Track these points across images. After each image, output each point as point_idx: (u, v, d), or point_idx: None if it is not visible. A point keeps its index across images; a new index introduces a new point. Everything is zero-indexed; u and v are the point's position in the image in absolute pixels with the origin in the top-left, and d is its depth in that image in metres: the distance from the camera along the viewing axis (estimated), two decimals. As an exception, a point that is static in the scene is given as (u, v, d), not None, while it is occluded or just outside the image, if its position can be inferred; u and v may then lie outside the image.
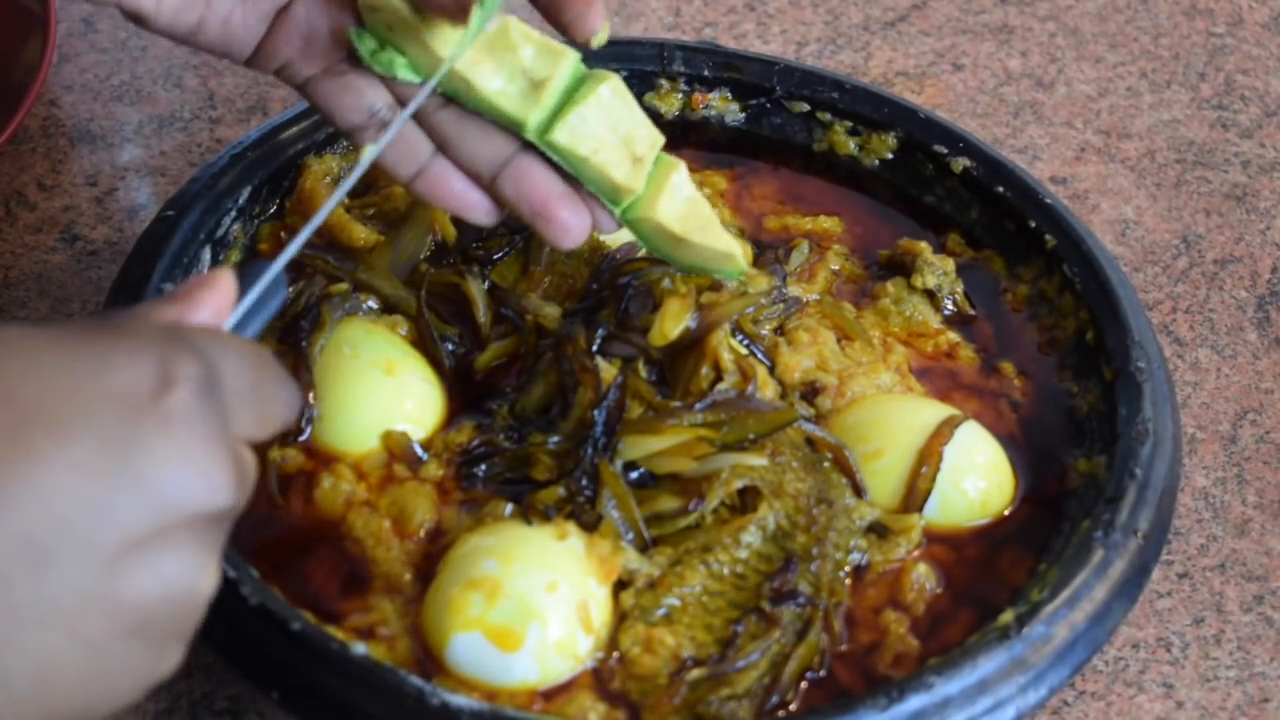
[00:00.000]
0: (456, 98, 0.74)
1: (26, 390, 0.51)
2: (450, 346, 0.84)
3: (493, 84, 0.74)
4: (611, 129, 0.74)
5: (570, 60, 0.74)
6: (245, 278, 0.60)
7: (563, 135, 0.74)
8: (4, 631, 0.49)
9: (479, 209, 0.77)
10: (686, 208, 0.77)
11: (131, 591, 0.51)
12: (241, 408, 0.55)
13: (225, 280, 0.59)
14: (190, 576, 0.53)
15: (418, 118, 0.75)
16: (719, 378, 0.80)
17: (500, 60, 0.74)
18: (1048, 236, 0.89)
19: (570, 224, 0.75)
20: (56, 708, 0.51)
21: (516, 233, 0.87)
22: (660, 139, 0.76)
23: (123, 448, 0.51)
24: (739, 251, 0.80)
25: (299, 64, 0.75)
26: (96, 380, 0.52)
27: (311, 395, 0.80)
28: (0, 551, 0.49)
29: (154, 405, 0.52)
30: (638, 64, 0.96)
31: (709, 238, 0.78)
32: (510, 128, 0.75)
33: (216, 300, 0.59)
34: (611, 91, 0.75)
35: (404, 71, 0.74)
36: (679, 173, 0.77)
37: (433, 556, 0.76)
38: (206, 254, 0.85)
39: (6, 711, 0.50)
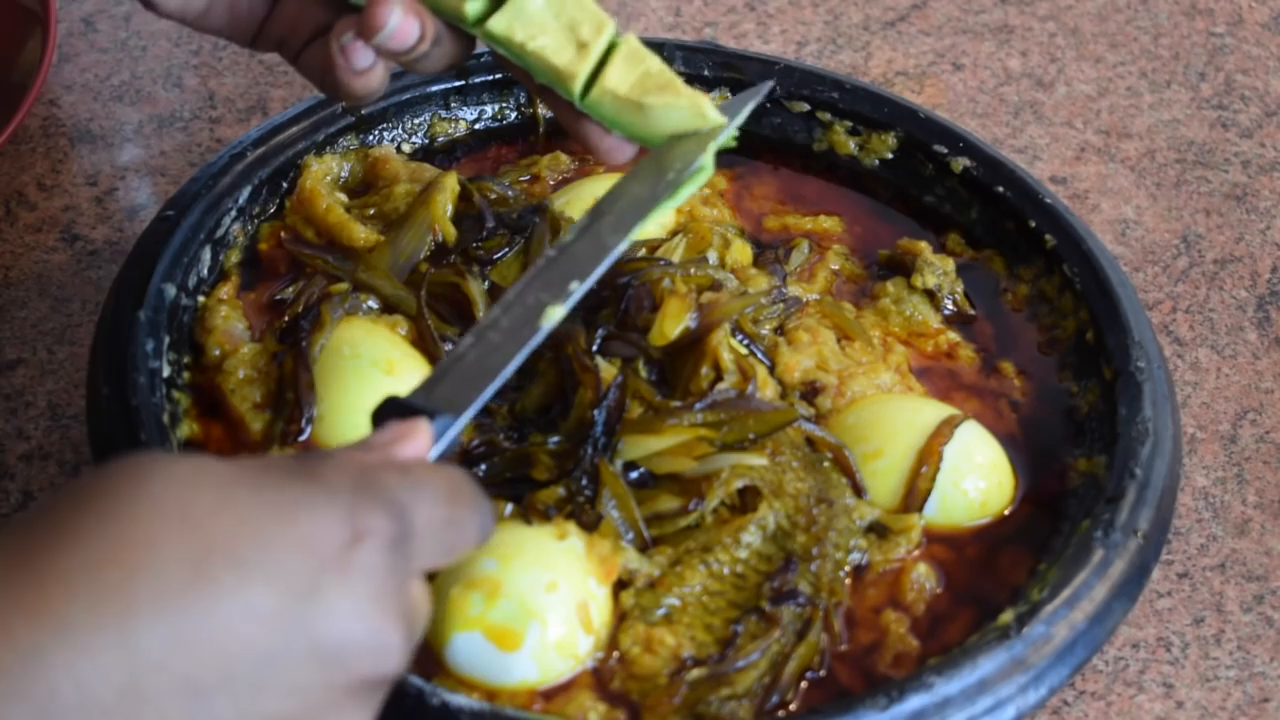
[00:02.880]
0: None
1: (216, 524, 0.50)
2: (450, 346, 0.84)
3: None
4: (554, 16, 0.73)
5: None
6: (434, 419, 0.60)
7: (499, 23, 0.73)
8: None
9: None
10: (638, 74, 0.75)
11: None
12: (431, 546, 0.55)
13: (423, 432, 0.59)
14: None
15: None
16: (719, 378, 0.80)
17: None
18: (1048, 236, 0.89)
19: (614, 151, 0.75)
20: None
21: (517, 233, 0.87)
22: (609, 23, 0.74)
23: (302, 600, 0.50)
24: (705, 101, 0.77)
25: (295, 38, 0.75)
26: (285, 525, 0.51)
27: (312, 395, 0.80)
28: (162, 686, 0.48)
29: (339, 559, 0.51)
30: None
31: (668, 98, 0.75)
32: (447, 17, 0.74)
33: (415, 449, 0.58)
34: None
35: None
36: (629, 43, 0.75)
37: (433, 556, 0.75)
38: (206, 254, 0.85)
39: None
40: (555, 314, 0.67)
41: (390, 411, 0.61)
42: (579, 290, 0.69)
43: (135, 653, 0.47)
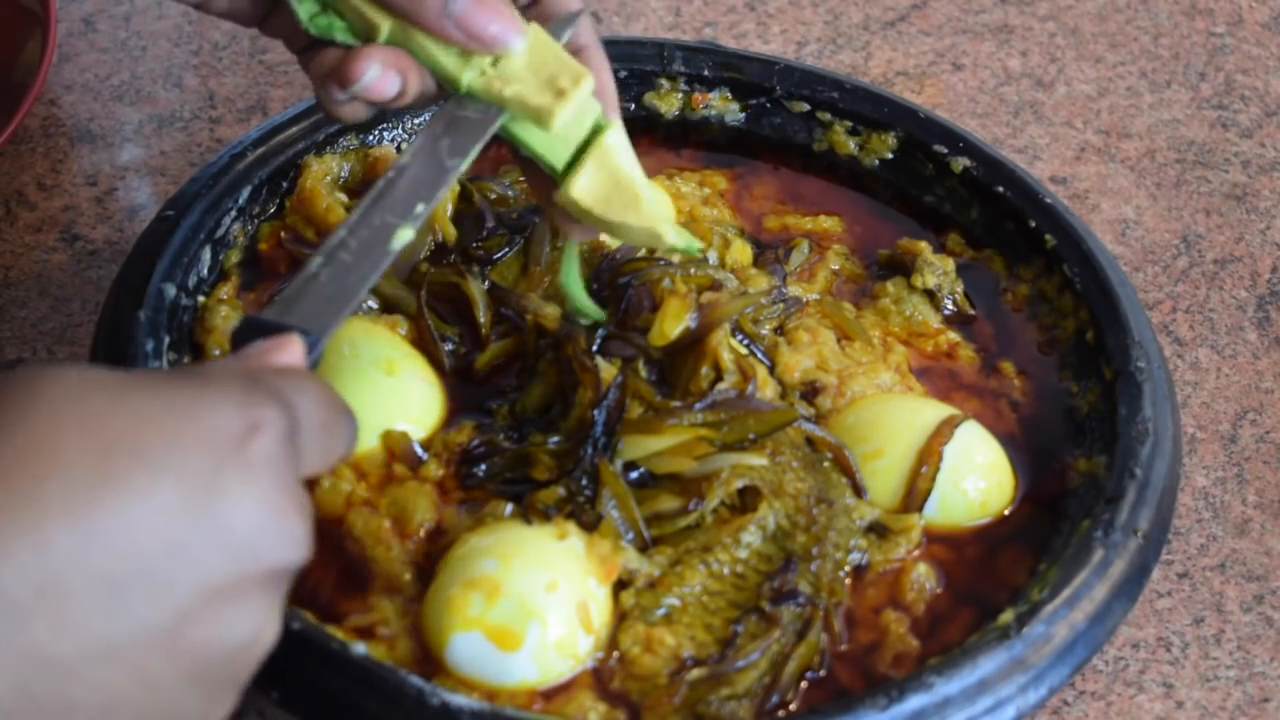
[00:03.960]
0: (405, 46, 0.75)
1: (114, 421, 0.50)
2: (450, 346, 0.84)
3: (431, 45, 0.74)
4: (533, 73, 0.74)
5: None
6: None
7: (476, 81, 0.73)
8: (73, 663, 0.49)
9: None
10: (607, 185, 0.75)
11: (199, 638, 0.51)
12: (313, 448, 0.56)
13: (295, 344, 0.60)
14: (256, 628, 0.53)
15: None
16: (719, 378, 0.80)
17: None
18: (1048, 236, 0.89)
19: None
20: None
21: (517, 233, 0.87)
22: (587, 76, 0.74)
23: (208, 491, 0.51)
24: (664, 226, 0.76)
25: (297, 36, 0.76)
26: (184, 419, 0.51)
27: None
28: (79, 583, 0.49)
29: (239, 450, 0.52)
30: (638, 64, 0.96)
31: (629, 217, 0.76)
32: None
33: (290, 359, 0.59)
34: (527, 46, 0.74)
35: (342, 35, 0.74)
36: (609, 135, 0.75)
37: (433, 556, 0.75)
38: (206, 254, 0.85)
39: None
40: (405, 235, 0.68)
41: (251, 331, 0.62)
42: (425, 212, 0.70)
43: (50, 553, 0.48)
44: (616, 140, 0.76)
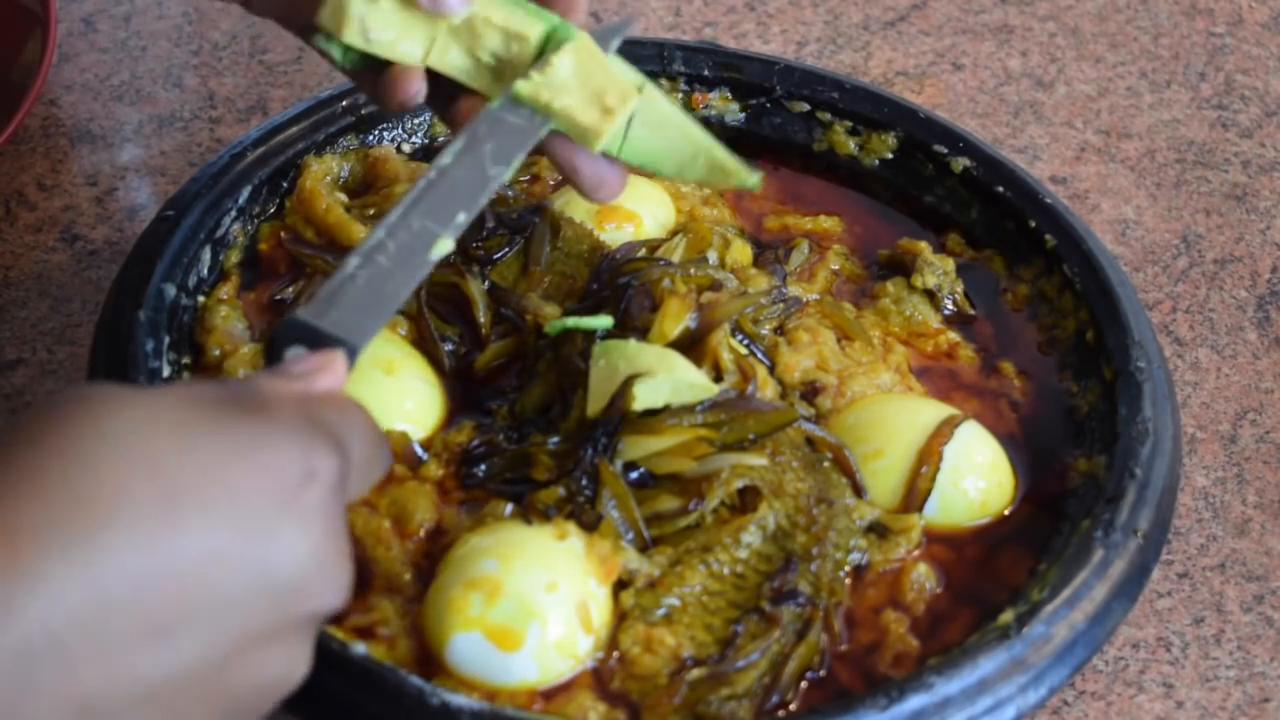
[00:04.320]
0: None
1: (180, 468, 0.51)
2: (450, 346, 0.84)
3: (460, 67, 0.75)
4: (581, 84, 0.74)
5: (538, 31, 0.75)
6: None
7: (525, 87, 0.74)
8: (114, 705, 0.49)
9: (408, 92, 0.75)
10: (657, 139, 0.77)
11: (235, 680, 0.52)
12: (357, 481, 0.57)
13: (341, 364, 0.61)
14: (289, 669, 0.54)
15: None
16: (719, 377, 0.80)
17: (467, 47, 0.75)
18: (1048, 236, 0.89)
19: (607, 178, 0.76)
20: None
21: (517, 233, 0.87)
22: (634, 93, 0.75)
23: (260, 538, 0.52)
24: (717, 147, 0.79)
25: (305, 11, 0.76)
26: (246, 466, 0.52)
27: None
28: (127, 627, 0.49)
29: (296, 498, 0.53)
30: (638, 64, 0.95)
31: (690, 160, 0.78)
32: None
33: (335, 381, 0.60)
34: (574, 59, 0.74)
35: (386, 52, 0.75)
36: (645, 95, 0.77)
37: (433, 556, 0.75)
38: (206, 254, 0.85)
39: None
40: (445, 246, 0.68)
41: (291, 333, 0.62)
42: (465, 222, 0.69)
43: (103, 597, 0.49)
44: (653, 95, 0.77)
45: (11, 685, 0.48)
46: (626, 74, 0.77)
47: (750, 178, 0.78)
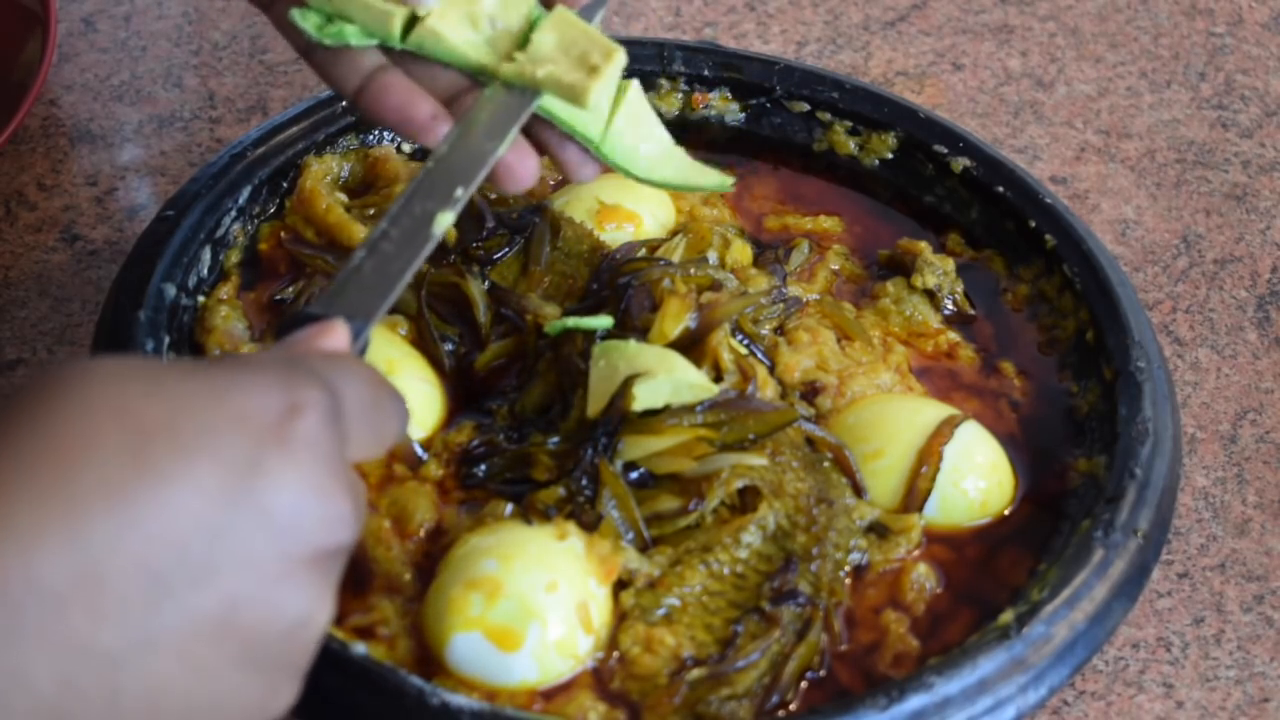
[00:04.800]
0: (421, 52, 0.75)
1: (151, 411, 0.50)
2: (450, 346, 0.84)
3: (460, 34, 0.75)
4: (564, 53, 0.75)
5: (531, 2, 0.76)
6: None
7: (510, 69, 0.75)
8: (116, 652, 0.49)
9: (417, 124, 0.74)
10: (638, 138, 0.78)
11: (247, 622, 0.51)
12: (359, 429, 0.55)
13: (341, 329, 0.60)
14: (307, 610, 0.52)
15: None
16: (719, 378, 0.80)
17: (464, 11, 0.75)
18: (1048, 236, 0.89)
19: (514, 168, 0.75)
20: None
21: (517, 233, 0.87)
22: (618, 50, 0.76)
23: (247, 474, 0.50)
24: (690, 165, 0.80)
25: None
26: (224, 406, 0.51)
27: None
28: (118, 572, 0.48)
29: (280, 432, 0.51)
30: (638, 64, 0.96)
31: (662, 161, 0.79)
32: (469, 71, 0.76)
33: (335, 344, 0.59)
34: (556, 23, 0.75)
35: (356, 39, 0.74)
36: (628, 97, 0.78)
37: (433, 556, 0.75)
38: (206, 254, 0.85)
39: None
40: (446, 220, 0.69)
41: (298, 324, 0.62)
42: (464, 196, 0.70)
43: (86, 542, 0.48)
44: (636, 94, 0.78)
45: None
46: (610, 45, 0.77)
47: (723, 180, 0.80)
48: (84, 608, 0.48)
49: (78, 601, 0.48)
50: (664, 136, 0.80)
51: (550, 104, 0.76)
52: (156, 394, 0.50)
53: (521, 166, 0.75)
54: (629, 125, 0.78)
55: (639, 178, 0.80)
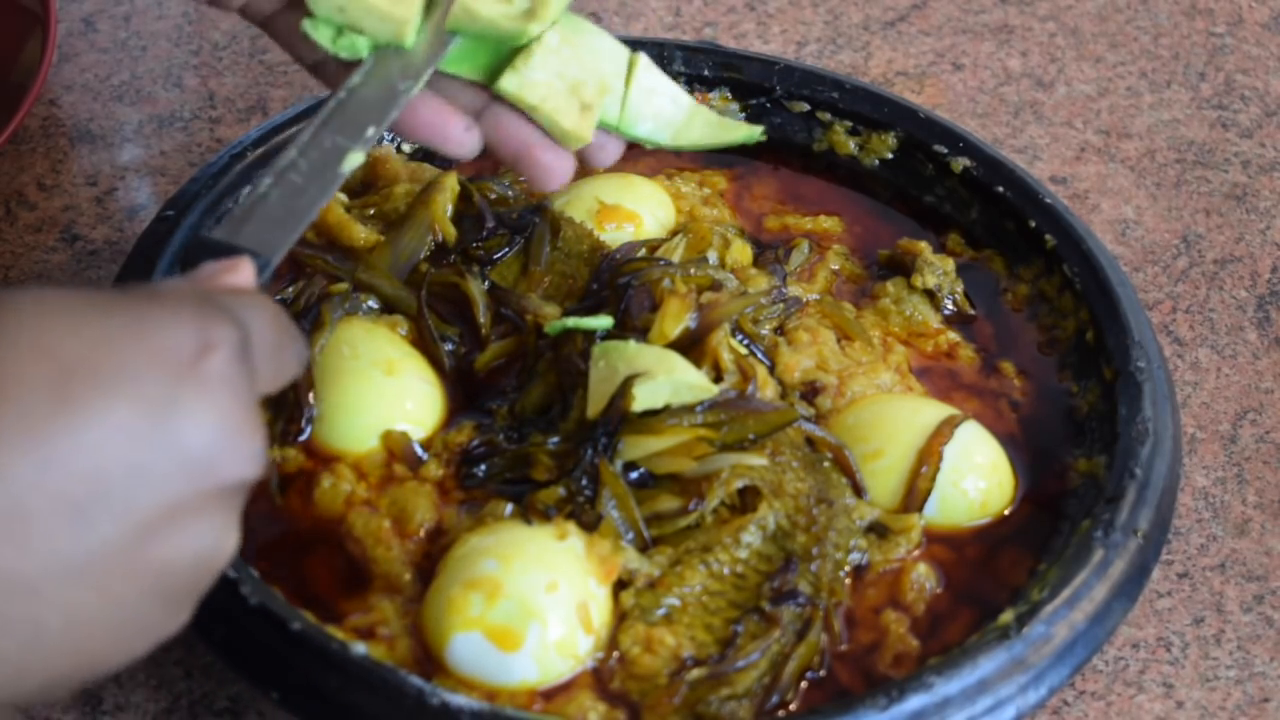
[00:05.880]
0: (456, 29, 0.75)
1: (69, 347, 0.51)
2: (450, 346, 0.84)
3: (490, 9, 0.74)
4: (559, 76, 0.75)
5: None
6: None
7: (511, 83, 0.75)
8: (38, 583, 0.50)
9: (453, 140, 0.76)
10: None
11: (160, 554, 0.52)
12: (266, 367, 0.57)
13: (247, 266, 0.61)
14: (215, 542, 0.54)
15: None
16: (719, 378, 0.80)
17: None
18: (1048, 236, 0.89)
19: (552, 166, 0.76)
20: (79, 660, 0.52)
21: (517, 233, 0.87)
22: (607, 87, 0.76)
23: (165, 410, 0.52)
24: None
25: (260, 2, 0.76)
26: (139, 341, 0.53)
27: (311, 395, 0.80)
28: (40, 506, 0.50)
29: (194, 368, 0.53)
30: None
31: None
32: (478, 81, 0.76)
33: (242, 281, 0.60)
34: (559, 39, 0.75)
35: (369, 51, 0.74)
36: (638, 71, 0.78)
37: (433, 556, 0.75)
38: (206, 254, 0.85)
39: (34, 661, 0.51)
40: (355, 159, 0.69)
41: (201, 251, 0.62)
42: (375, 135, 0.70)
43: (9, 477, 0.50)
44: (646, 66, 0.78)
45: None
46: (614, 49, 0.77)
47: (752, 130, 0.80)
48: (8, 539, 0.50)
49: (3, 534, 0.50)
50: (684, 99, 0.79)
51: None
52: (77, 332, 0.52)
53: (560, 165, 0.76)
54: (645, 98, 0.78)
55: (669, 146, 0.80)
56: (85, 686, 0.53)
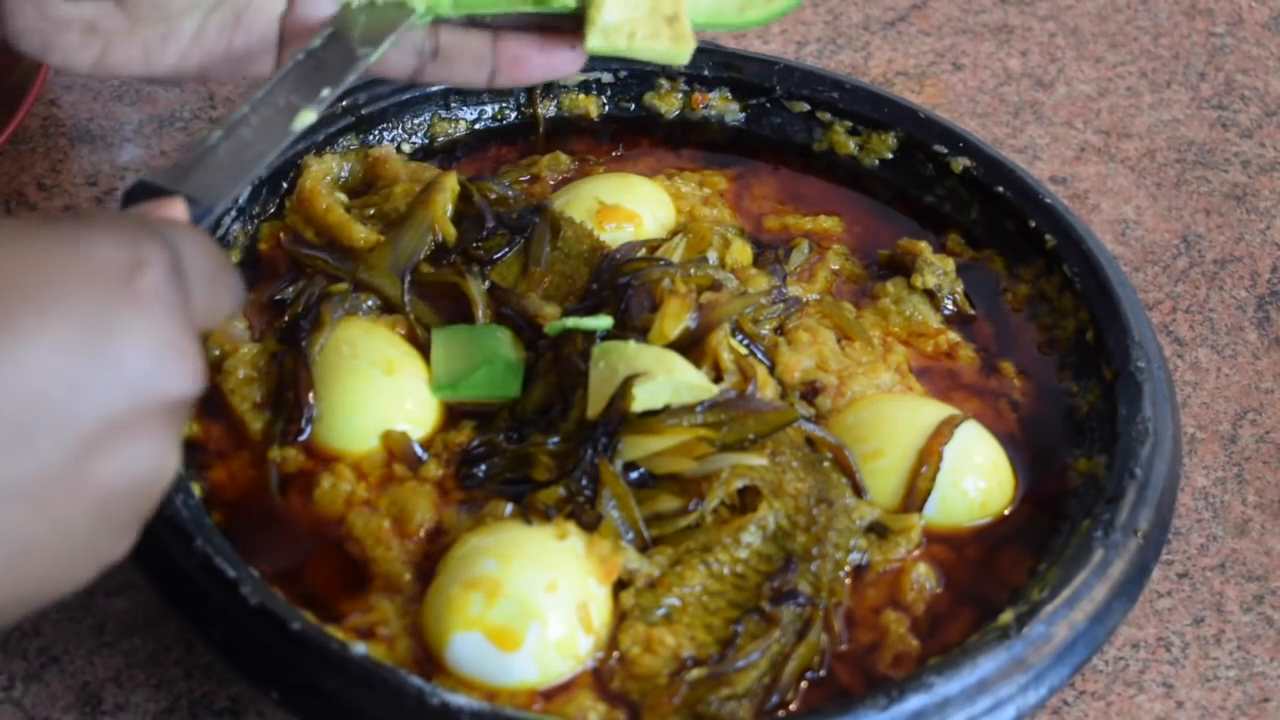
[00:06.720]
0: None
1: (2, 269, 0.51)
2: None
3: None
4: (633, 5, 0.74)
5: None
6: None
7: (596, 42, 0.73)
8: None
9: (567, 64, 0.75)
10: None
11: (103, 474, 0.52)
12: (200, 294, 0.56)
13: (180, 206, 0.61)
14: (158, 462, 0.54)
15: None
16: (719, 378, 0.80)
17: None
18: (1048, 236, 0.89)
19: (532, 60, 0.75)
20: (23, 586, 0.52)
21: (517, 233, 0.87)
22: None
23: (101, 328, 0.52)
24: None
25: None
26: (72, 261, 0.52)
27: (311, 395, 0.80)
28: None
29: (128, 285, 0.53)
30: (638, 64, 0.96)
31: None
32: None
33: (174, 214, 0.60)
34: None
35: (448, 9, 0.74)
36: None
37: (433, 556, 0.75)
38: (206, 254, 0.85)
39: None
40: (308, 118, 0.69)
41: (142, 193, 0.62)
42: (330, 97, 0.70)
43: None
44: None
45: None
46: None
47: None
48: None
49: None
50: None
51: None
52: (9, 255, 0.52)
53: (557, 57, 0.75)
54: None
55: (735, 23, 0.77)
56: (28, 612, 0.53)
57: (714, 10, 0.76)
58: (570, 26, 0.75)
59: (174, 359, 0.53)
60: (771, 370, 0.83)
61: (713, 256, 0.88)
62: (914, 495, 0.79)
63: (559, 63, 0.75)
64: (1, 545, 0.51)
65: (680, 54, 0.74)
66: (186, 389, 0.54)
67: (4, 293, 0.51)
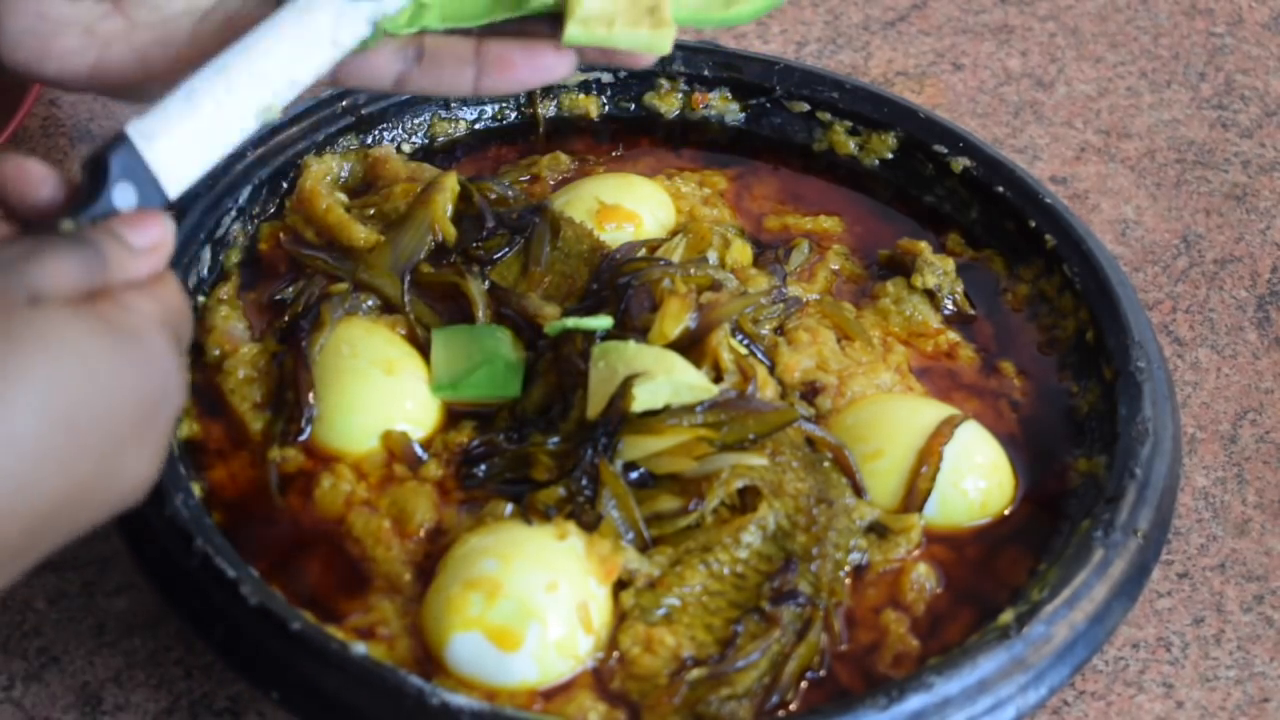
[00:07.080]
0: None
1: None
2: (450, 346, 0.84)
3: None
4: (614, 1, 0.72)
5: None
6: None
7: (576, 34, 0.71)
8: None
9: (557, 69, 0.73)
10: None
11: (116, 478, 0.59)
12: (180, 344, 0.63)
13: (160, 223, 0.64)
14: (150, 469, 0.60)
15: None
16: (719, 378, 0.80)
17: None
18: (1048, 236, 0.89)
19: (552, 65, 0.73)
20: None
21: (517, 233, 0.87)
22: None
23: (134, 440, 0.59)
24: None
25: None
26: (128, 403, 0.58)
27: (311, 395, 0.80)
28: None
29: (157, 418, 0.60)
30: (638, 64, 0.96)
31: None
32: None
33: (161, 259, 0.64)
34: None
35: (434, 21, 0.72)
36: None
37: (433, 556, 0.75)
38: (206, 254, 0.85)
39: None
40: (275, 110, 0.69)
41: (99, 166, 0.67)
42: (301, 86, 0.69)
43: None
44: None
45: None
46: None
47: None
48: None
49: None
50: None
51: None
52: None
53: (542, 58, 0.73)
54: None
55: (719, 19, 0.75)
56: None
57: (700, 5, 0.75)
58: (554, 29, 0.73)
59: (178, 380, 0.61)
60: (771, 370, 0.83)
61: (713, 256, 0.88)
62: (914, 495, 0.79)
63: (545, 64, 0.73)
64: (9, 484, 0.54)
65: (661, 42, 0.72)
66: (180, 404, 0.62)
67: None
